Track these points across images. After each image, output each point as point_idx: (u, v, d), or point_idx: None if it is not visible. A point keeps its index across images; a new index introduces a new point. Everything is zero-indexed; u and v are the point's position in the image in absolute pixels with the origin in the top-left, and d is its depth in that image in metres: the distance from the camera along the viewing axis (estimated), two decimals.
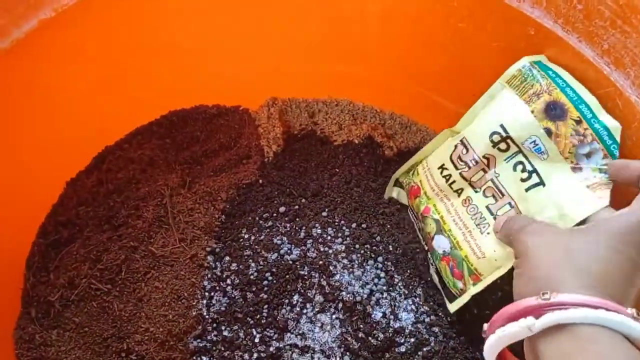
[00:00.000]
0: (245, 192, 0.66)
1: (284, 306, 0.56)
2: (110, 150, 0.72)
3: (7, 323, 0.59)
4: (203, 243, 0.62)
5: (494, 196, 0.53)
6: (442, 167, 0.57)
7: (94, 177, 0.69)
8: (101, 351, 0.56)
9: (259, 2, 0.69)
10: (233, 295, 0.57)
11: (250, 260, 0.59)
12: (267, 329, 0.55)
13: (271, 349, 0.54)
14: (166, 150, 0.72)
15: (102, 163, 0.71)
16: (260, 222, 0.63)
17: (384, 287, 0.56)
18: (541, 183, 0.49)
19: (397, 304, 0.56)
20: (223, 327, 0.56)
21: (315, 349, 0.54)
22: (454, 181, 0.56)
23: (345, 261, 0.57)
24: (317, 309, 0.55)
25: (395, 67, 0.72)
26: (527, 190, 0.50)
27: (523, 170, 0.50)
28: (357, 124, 0.75)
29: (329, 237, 0.60)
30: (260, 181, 0.67)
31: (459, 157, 0.55)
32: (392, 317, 0.55)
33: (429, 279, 0.59)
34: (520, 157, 0.51)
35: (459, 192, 0.56)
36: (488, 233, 0.52)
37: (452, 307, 0.55)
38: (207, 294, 0.58)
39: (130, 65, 0.69)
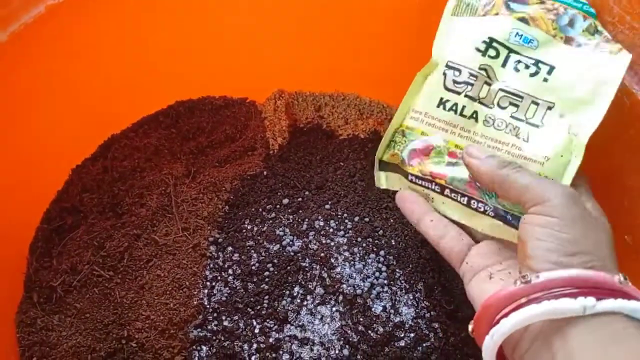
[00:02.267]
0: (249, 184, 0.66)
1: (285, 297, 0.56)
2: (116, 139, 0.73)
3: (9, 307, 0.60)
4: (206, 233, 0.62)
5: (511, 104, 0.49)
6: (441, 102, 0.51)
7: (99, 164, 0.69)
8: (101, 337, 0.57)
9: None
10: (234, 286, 0.57)
11: (252, 251, 0.59)
12: (267, 320, 0.55)
13: (271, 339, 0.54)
14: (172, 140, 0.72)
15: (108, 151, 0.71)
16: (264, 213, 0.63)
17: (385, 281, 0.56)
18: (552, 68, 0.47)
19: (397, 298, 0.55)
20: (223, 317, 0.56)
21: (315, 341, 0.54)
22: (463, 106, 0.50)
23: (346, 254, 0.57)
24: (317, 301, 0.55)
25: (404, 62, 0.71)
26: (545, 80, 0.48)
27: (527, 67, 0.48)
28: (363, 119, 0.75)
29: (331, 230, 0.60)
30: (265, 173, 0.67)
31: (454, 81, 0.51)
32: (392, 311, 0.54)
33: (430, 274, 0.58)
34: (515, 57, 0.49)
35: (474, 116, 0.50)
36: (530, 137, 0.48)
37: None
38: (208, 283, 0.58)
39: (138, 54, 0.69)
